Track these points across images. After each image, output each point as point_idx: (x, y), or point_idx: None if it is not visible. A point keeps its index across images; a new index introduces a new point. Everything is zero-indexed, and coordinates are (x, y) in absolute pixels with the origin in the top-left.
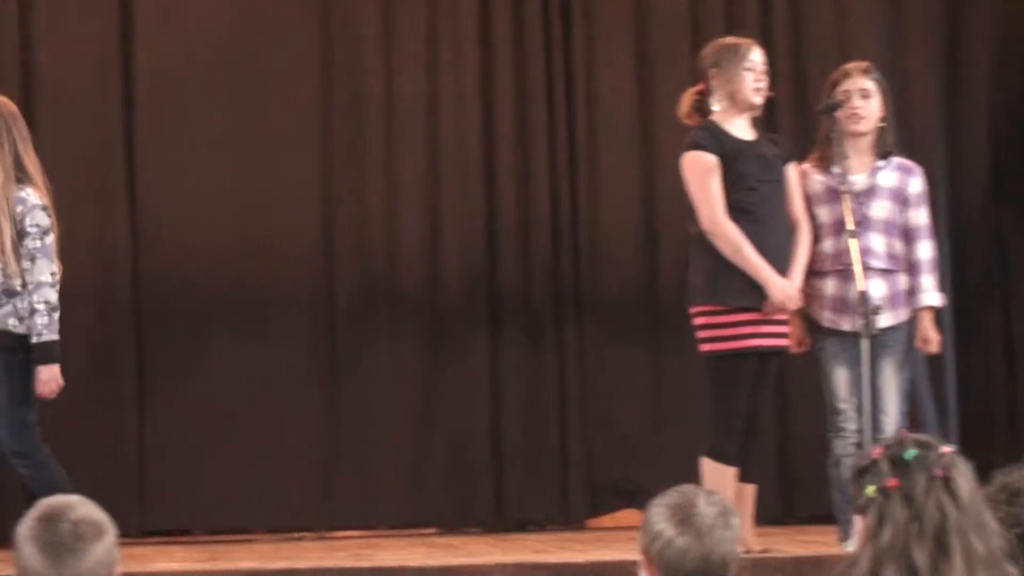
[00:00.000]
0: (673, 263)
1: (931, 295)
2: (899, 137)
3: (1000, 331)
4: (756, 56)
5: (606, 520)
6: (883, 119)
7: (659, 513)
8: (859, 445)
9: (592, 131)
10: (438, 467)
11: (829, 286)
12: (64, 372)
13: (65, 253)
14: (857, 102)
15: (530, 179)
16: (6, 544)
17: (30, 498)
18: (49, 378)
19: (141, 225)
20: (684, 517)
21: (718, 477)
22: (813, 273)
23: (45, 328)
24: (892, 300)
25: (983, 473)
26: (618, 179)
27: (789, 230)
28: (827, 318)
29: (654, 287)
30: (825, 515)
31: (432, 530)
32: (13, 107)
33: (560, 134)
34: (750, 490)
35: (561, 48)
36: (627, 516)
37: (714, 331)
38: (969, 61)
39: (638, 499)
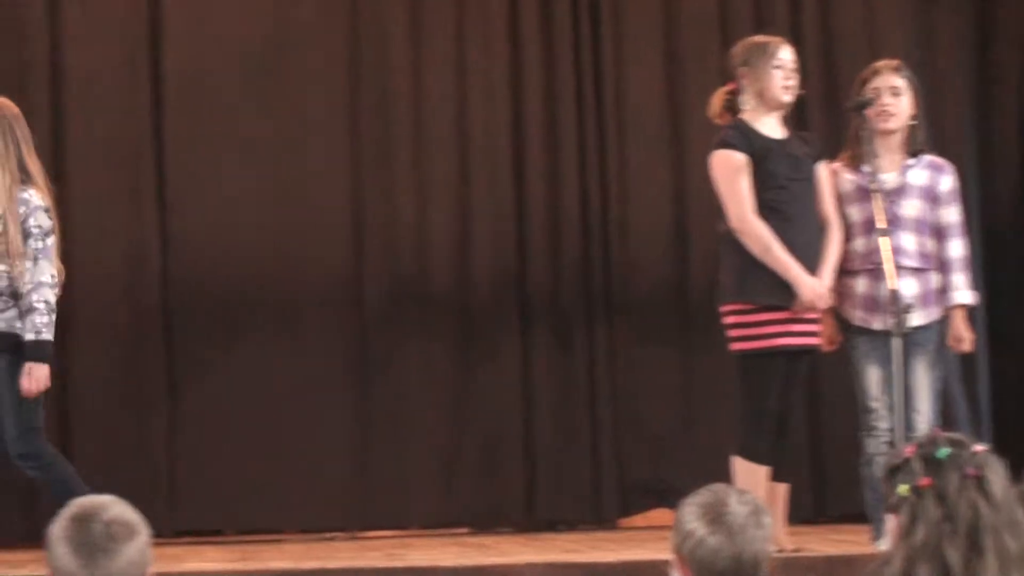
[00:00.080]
0: (703, 262)
1: (963, 293)
2: (930, 135)
3: None
4: (785, 54)
5: (638, 519)
6: (914, 117)
7: (691, 512)
8: (891, 444)
9: (621, 130)
10: (470, 467)
11: (860, 285)
12: (95, 372)
13: (94, 253)
14: (887, 99)
15: (559, 179)
16: (39, 543)
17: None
18: (39, 376)
19: (170, 226)
20: (716, 516)
21: (749, 476)
22: (844, 272)
23: (44, 327)
24: (923, 299)
25: (1016, 471)
26: (648, 178)
27: (819, 229)
28: (858, 317)
29: (684, 286)
30: (858, 514)
31: (464, 530)
32: (15, 109)
33: (589, 134)
34: (782, 489)
35: (590, 47)
36: (659, 515)
37: (744, 330)
38: (1000, 59)
39: (669, 498)
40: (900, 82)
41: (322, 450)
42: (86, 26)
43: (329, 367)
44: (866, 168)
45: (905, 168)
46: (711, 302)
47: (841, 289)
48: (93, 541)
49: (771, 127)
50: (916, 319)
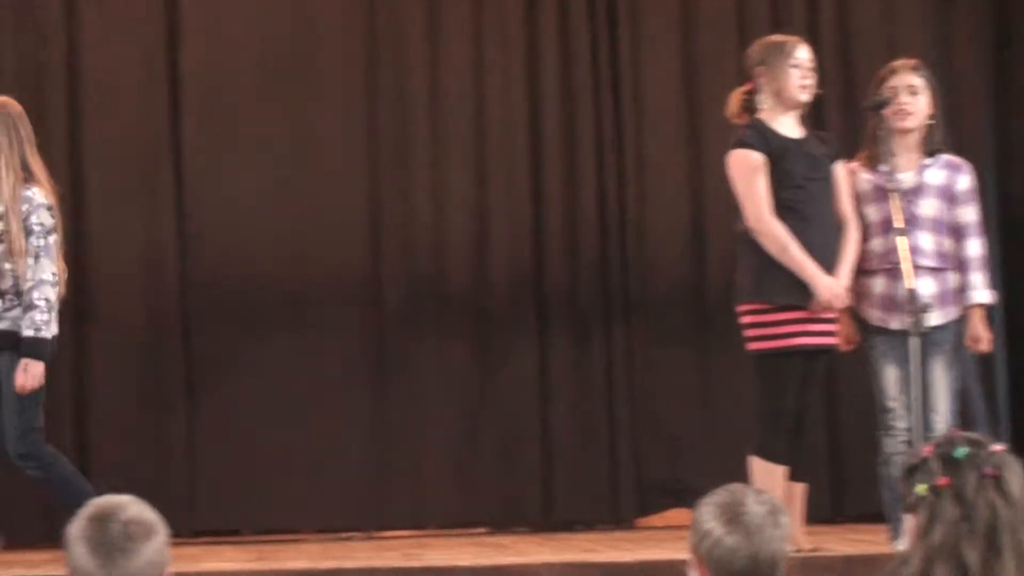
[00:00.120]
0: (720, 262)
1: (981, 293)
2: (947, 135)
3: None
4: (803, 53)
5: (655, 519)
6: (931, 116)
7: (708, 512)
8: (909, 443)
9: (639, 130)
10: (487, 467)
11: (878, 284)
12: (113, 373)
13: (112, 254)
14: (904, 98)
15: (577, 179)
16: (57, 543)
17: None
18: (34, 373)
19: (188, 226)
20: (733, 516)
21: (767, 476)
22: (862, 272)
23: (43, 324)
24: (941, 298)
25: None
26: (665, 178)
27: (836, 228)
28: (876, 317)
29: (702, 286)
30: (876, 514)
31: (482, 530)
32: (18, 107)
33: (607, 133)
34: (800, 489)
35: (607, 47)
36: (676, 515)
37: (761, 330)
38: (1017, 59)
39: (687, 498)
40: (918, 81)
41: (339, 450)
42: (103, 27)
43: (347, 367)
44: (883, 168)
45: (922, 167)
46: (728, 302)
47: (859, 289)
48: (111, 541)
49: (788, 127)
50: (934, 319)
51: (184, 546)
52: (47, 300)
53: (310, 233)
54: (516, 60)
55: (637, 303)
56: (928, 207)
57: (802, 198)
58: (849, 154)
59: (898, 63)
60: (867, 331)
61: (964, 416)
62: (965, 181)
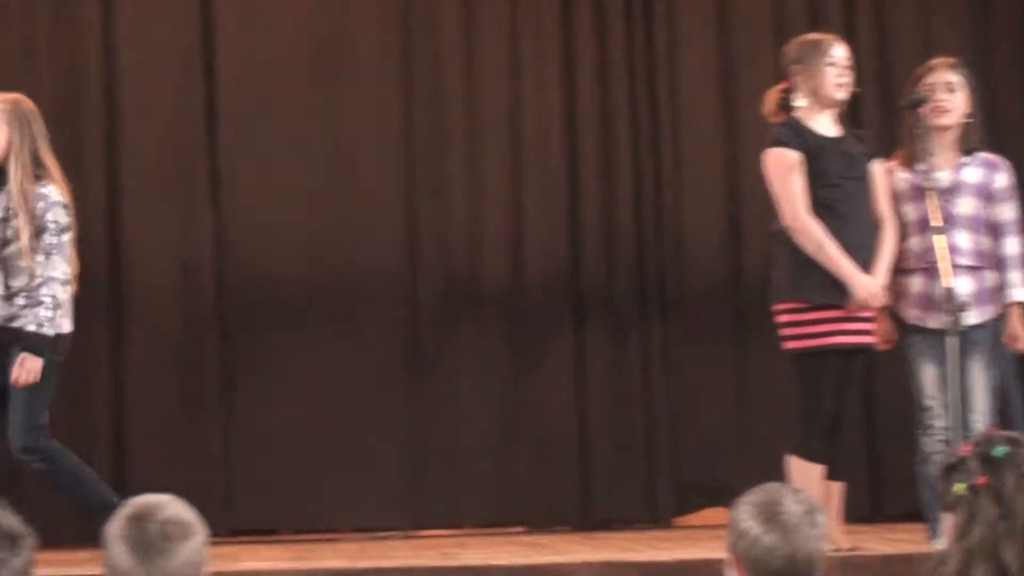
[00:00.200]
0: (757, 261)
1: (1019, 291)
2: (984, 133)
3: None
4: (839, 52)
5: (693, 518)
6: (969, 115)
7: (746, 511)
8: (947, 443)
9: (675, 129)
10: (525, 466)
11: (915, 283)
12: (150, 373)
13: (148, 254)
14: (941, 95)
15: (613, 177)
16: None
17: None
18: (31, 368)
19: (224, 225)
20: (770, 515)
21: (804, 475)
22: (899, 270)
23: (47, 321)
24: (979, 297)
25: None
26: (701, 177)
27: (873, 227)
28: (913, 315)
29: (738, 285)
30: (914, 513)
31: (519, 529)
32: (32, 105)
33: (643, 132)
34: (838, 488)
35: (643, 45)
36: (714, 514)
37: (797, 328)
38: None
39: (724, 497)
40: (955, 78)
41: (377, 449)
42: (139, 26)
43: (383, 366)
44: (921, 166)
45: (959, 166)
46: (765, 301)
47: (896, 288)
48: (149, 540)
49: (825, 125)
50: (971, 317)
51: (222, 545)
52: (54, 297)
53: (346, 233)
54: (552, 58)
55: (673, 302)
56: (965, 205)
57: (838, 196)
58: (887, 153)
59: (936, 61)
60: (905, 330)
61: (1003, 415)
62: (1002, 179)
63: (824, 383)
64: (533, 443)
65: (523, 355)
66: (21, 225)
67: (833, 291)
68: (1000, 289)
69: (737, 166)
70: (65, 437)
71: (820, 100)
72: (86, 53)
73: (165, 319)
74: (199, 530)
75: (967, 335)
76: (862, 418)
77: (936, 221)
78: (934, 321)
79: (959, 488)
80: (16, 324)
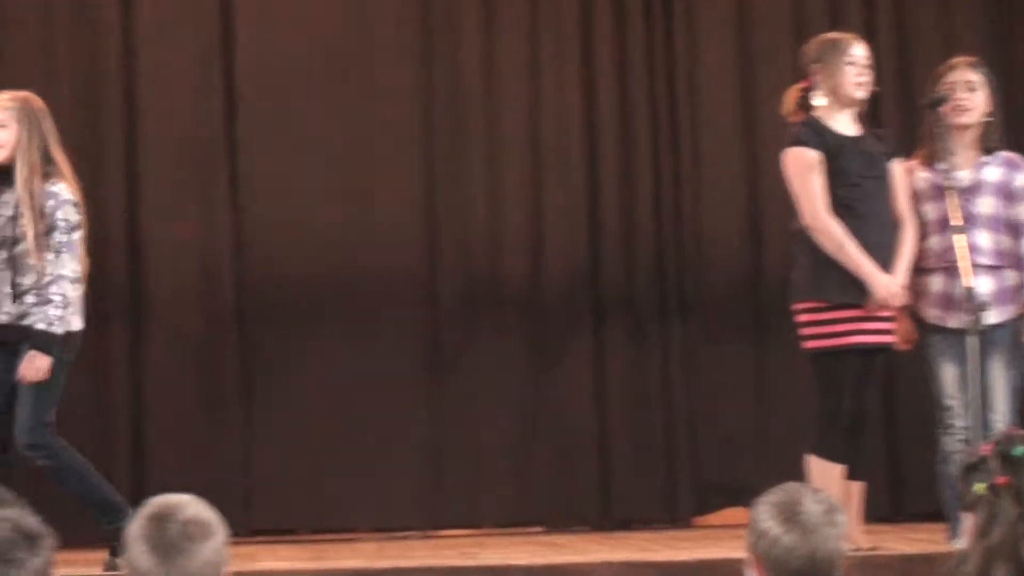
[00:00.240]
0: (777, 260)
1: None
2: (1005, 132)
3: None
4: (858, 51)
5: (712, 518)
6: (989, 113)
7: (765, 511)
8: (968, 442)
9: (695, 128)
10: (544, 466)
11: (935, 283)
12: (169, 373)
13: (167, 254)
14: (962, 94)
15: (632, 177)
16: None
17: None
18: (39, 366)
19: (243, 226)
20: (790, 515)
21: (824, 474)
22: (919, 270)
23: (56, 319)
24: (999, 296)
25: None
26: (721, 176)
27: (893, 226)
28: (934, 315)
29: (758, 285)
30: (935, 512)
31: (538, 528)
32: (41, 103)
33: (662, 132)
34: (858, 487)
35: (663, 45)
36: (733, 514)
37: (817, 328)
38: None
39: (744, 497)
40: (976, 77)
41: (396, 449)
42: (158, 27)
43: (403, 366)
44: (941, 165)
45: (980, 165)
46: (785, 300)
47: (916, 287)
48: (169, 541)
49: (844, 124)
50: (992, 317)
51: (241, 545)
52: (64, 296)
53: (365, 232)
54: (571, 57)
55: (693, 301)
56: (986, 205)
57: (858, 196)
58: (907, 152)
59: (956, 59)
60: (924, 329)
61: (1023, 414)
62: (1022, 178)
63: (843, 383)
64: (552, 443)
65: (543, 355)
66: (27, 223)
67: (853, 290)
68: (1020, 288)
69: (756, 165)
70: (85, 437)
71: (840, 99)
72: (106, 54)
73: (185, 320)
74: (220, 530)
75: (987, 334)
76: (882, 418)
77: (956, 220)
78: (954, 320)
79: (979, 488)
80: (26, 322)
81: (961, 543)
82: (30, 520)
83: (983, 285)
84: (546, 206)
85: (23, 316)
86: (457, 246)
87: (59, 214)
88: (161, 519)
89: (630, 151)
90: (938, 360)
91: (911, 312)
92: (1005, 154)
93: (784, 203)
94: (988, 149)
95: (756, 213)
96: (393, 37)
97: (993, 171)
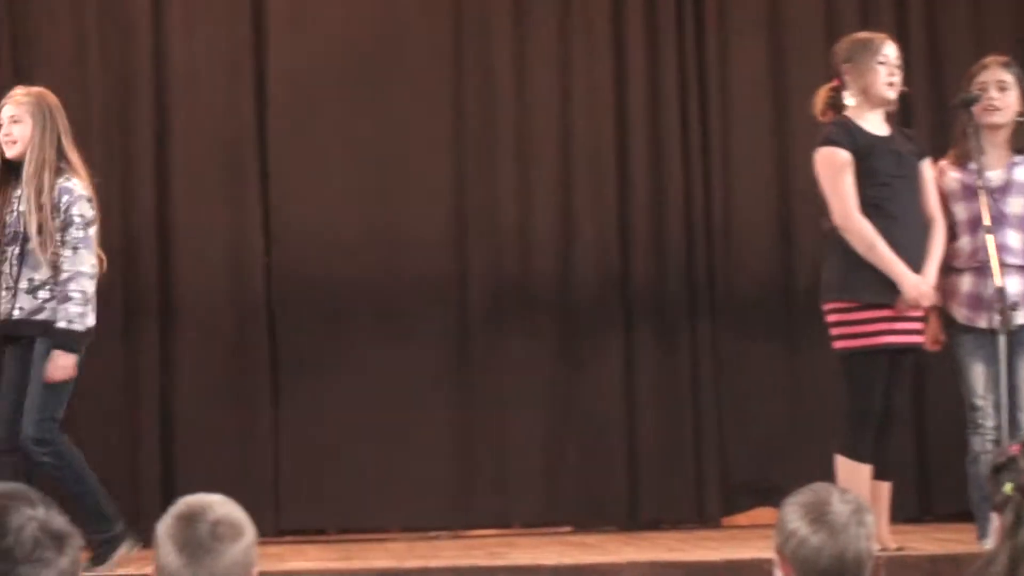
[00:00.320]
0: (807, 260)
1: None
2: None
3: None
4: (889, 50)
5: (741, 518)
6: (1021, 113)
7: (793, 511)
8: (997, 442)
9: (726, 128)
10: (573, 466)
11: (965, 283)
12: (199, 372)
13: (198, 252)
14: (994, 93)
15: (663, 177)
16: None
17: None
18: (64, 365)
19: (274, 225)
20: (818, 515)
21: (852, 475)
22: (949, 270)
23: (77, 317)
24: None
25: None
26: (752, 176)
27: (923, 226)
28: (963, 315)
29: (789, 284)
30: (963, 512)
31: (567, 528)
32: (55, 99)
33: (693, 132)
34: (886, 488)
35: (694, 45)
36: (762, 514)
37: (847, 328)
38: None
39: (773, 497)
40: (1007, 77)
41: (425, 449)
42: (190, 25)
43: (432, 366)
44: (972, 165)
45: (1011, 165)
46: (815, 300)
47: (946, 287)
48: (198, 541)
49: (875, 124)
50: (1022, 317)
51: (269, 545)
52: (83, 292)
53: (396, 232)
54: (602, 57)
55: (723, 302)
56: (1016, 205)
57: (888, 196)
58: (939, 153)
59: (988, 59)
60: (954, 329)
61: None
62: None
63: (873, 383)
64: (582, 443)
65: (572, 356)
66: (30, 218)
67: (883, 290)
68: None
69: (788, 165)
70: (114, 436)
71: (870, 99)
72: (137, 54)
73: (215, 319)
74: (249, 531)
75: (1017, 335)
76: (911, 418)
77: (987, 220)
78: (984, 321)
79: (1008, 488)
80: (39, 317)
81: (989, 543)
82: (58, 520)
83: (1013, 285)
84: (576, 207)
85: (37, 311)
86: (487, 246)
87: (74, 210)
88: (191, 519)
89: (661, 151)
90: (967, 360)
91: (941, 312)
92: None
93: (815, 203)
94: (1019, 149)
95: (787, 213)
96: (424, 36)
97: None
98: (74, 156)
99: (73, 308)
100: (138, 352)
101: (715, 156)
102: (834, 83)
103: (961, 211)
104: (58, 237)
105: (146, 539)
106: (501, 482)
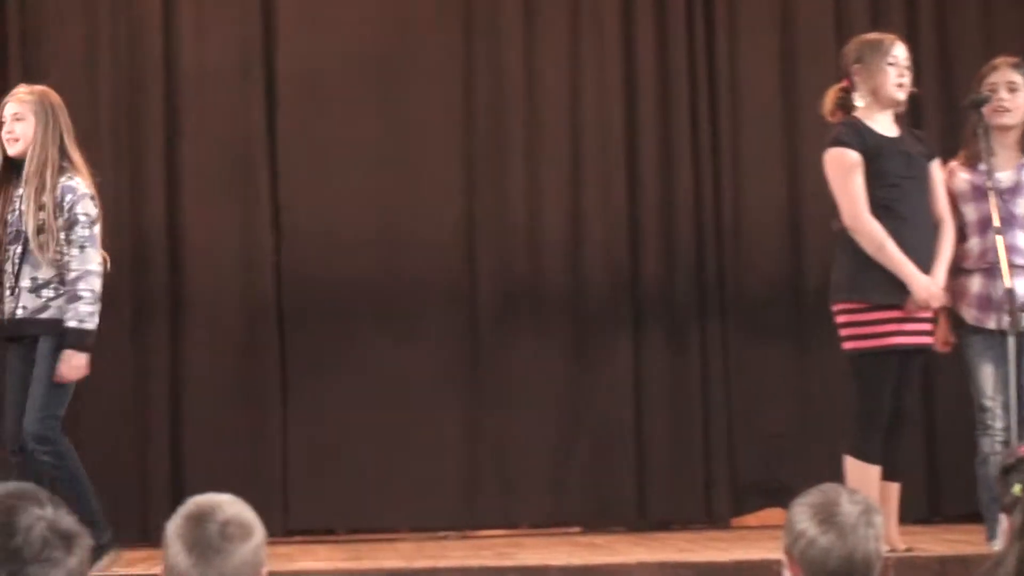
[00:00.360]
0: (817, 260)
1: None
2: None
3: None
4: (899, 51)
5: (750, 519)
6: None
7: (802, 512)
8: (1006, 443)
9: (735, 128)
10: (581, 466)
11: (975, 284)
12: (208, 371)
13: (208, 252)
14: (1003, 94)
15: (673, 177)
16: (151, 543)
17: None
18: (76, 364)
19: (284, 225)
20: (827, 516)
21: (861, 475)
22: (959, 271)
23: (87, 316)
24: None
25: None
26: (762, 176)
27: (932, 227)
28: (973, 316)
29: (798, 285)
30: (972, 514)
31: (576, 529)
32: (58, 97)
33: (703, 132)
34: (895, 488)
35: (704, 45)
36: (771, 515)
37: (856, 329)
38: None
39: (782, 498)
40: (1018, 78)
41: (434, 449)
42: (200, 25)
43: (441, 366)
44: (982, 166)
45: (1021, 166)
46: (824, 301)
47: (956, 288)
48: (207, 541)
49: (884, 125)
50: None
51: (278, 545)
52: (92, 291)
53: (405, 232)
54: (612, 57)
55: (733, 302)
56: None
57: (897, 197)
58: (949, 154)
59: (998, 60)
60: (964, 331)
61: None
62: None
63: (883, 384)
64: (591, 444)
65: (581, 355)
66: (28, 217)
67: (893, 291)
68: None
69: (797, 165)
70: (123, 436)
71: (880, 100)
72: (147, 53)
73: (224, 319)
74: (258, 531)
75: None
76: (920, 419)
77: (996, 221)
78: (993, 322)
79: (1017, 489)
80: (44, 316)
81: (998, 545)
82: (66, 519)
83: (1022, 286)
84: (586, 207)
85: (41, 310)
86: (497, 246)
87: (79, 208)
88: (200, 519)
89: (671, 152)
90: (977, 361)
91: (950, 313)
92: None
93: (824, 203)
94: None
95: (796, 213)
96: (433, 37)
97: None
98: (76, 155)
99: (83, 307)
100: (148, 351)
101: (725, 156)
102: (844, 84)
103: (971, 212)
104: (63, 236)
105: (155, 539)
106: (510, 482)
